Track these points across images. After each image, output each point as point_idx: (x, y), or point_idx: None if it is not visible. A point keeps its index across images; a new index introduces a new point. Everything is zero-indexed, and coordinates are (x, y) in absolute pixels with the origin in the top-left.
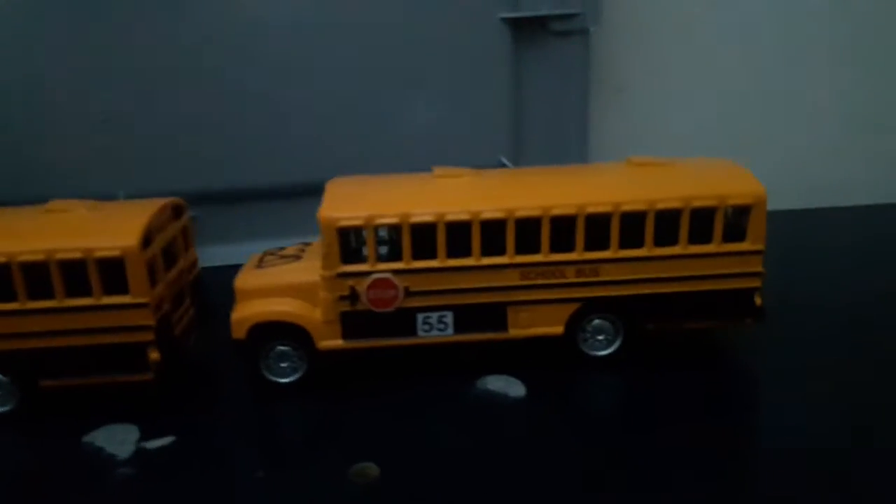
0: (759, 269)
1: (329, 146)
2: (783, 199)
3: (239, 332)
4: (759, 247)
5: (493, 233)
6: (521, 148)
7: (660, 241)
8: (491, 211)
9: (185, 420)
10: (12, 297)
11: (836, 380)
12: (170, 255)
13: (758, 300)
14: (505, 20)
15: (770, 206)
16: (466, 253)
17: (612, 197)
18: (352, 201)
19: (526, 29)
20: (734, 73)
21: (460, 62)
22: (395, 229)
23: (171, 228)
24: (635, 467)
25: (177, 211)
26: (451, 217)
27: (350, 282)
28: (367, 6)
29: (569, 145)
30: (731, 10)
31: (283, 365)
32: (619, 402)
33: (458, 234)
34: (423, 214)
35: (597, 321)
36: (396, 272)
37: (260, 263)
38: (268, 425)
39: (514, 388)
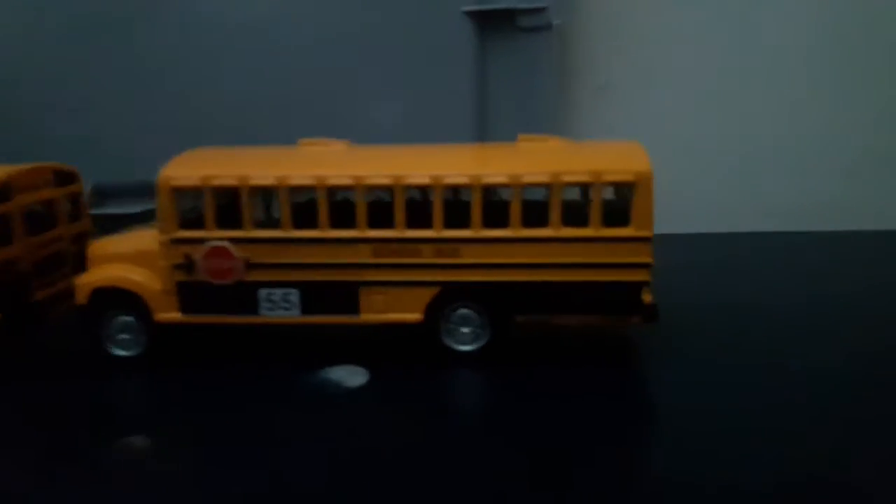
0: (648, 259)
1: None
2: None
3: (81, 298)
4: (646, 233)
5: (346, 204)
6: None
7: (532, 222)
8: (338, 177)
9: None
10: None
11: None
12: (42, 219)
13: (646, 296)
14: (469, 14)
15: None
16: (325, 222)
17: (473, 169)
18: (195, 163)
19: (493, 24)
20: (719, 70)
21: (423, 57)
22: (236, 193)
23: (46, 192)
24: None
25: (63, 178)
26: (293, 181)
27: (186, 249)
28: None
29: None
30: (717, 7)
31: (123, 336)
32: (461, 402)
33: (306, 203)
34: (264, 177)
35: (461, 310)
36: (235, 241)
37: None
38: (83, 401)
39: (353, 378)
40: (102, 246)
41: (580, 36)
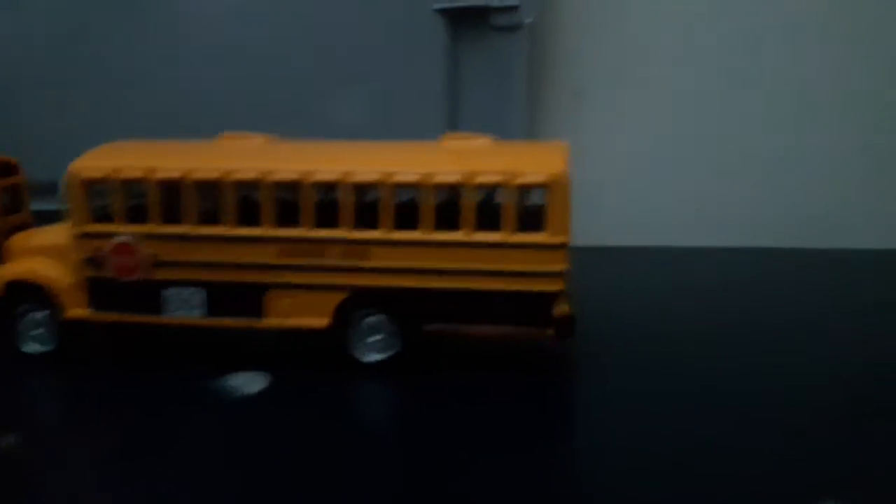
0: (563, 268)
1: None
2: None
3: None
4: (561, 240)
5: (254, 202)
6: None
7: (445, 226)
8: (244, 171)
9: None
10: None
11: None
12: None
13: (561, 308)
14: (441, 12)
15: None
16: (231, 219)
17: (384, 166)
18: (108, 155)
19: (466, 22)
20: (697, 77)
21: (394, 56)
22: (154, 185)
23: None
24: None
25: (1, 170)
26: (198, 175)
27: (96, 243)
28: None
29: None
30: (698, 8)
31: (35, 332)
32: (358, 410)
33: (213, 199)
34: (170, 170)
35: (371, 317)
36: (144, 237)
37: None
38: None
39: (250, 385)
40: (23, 238)
41: (557, 35)
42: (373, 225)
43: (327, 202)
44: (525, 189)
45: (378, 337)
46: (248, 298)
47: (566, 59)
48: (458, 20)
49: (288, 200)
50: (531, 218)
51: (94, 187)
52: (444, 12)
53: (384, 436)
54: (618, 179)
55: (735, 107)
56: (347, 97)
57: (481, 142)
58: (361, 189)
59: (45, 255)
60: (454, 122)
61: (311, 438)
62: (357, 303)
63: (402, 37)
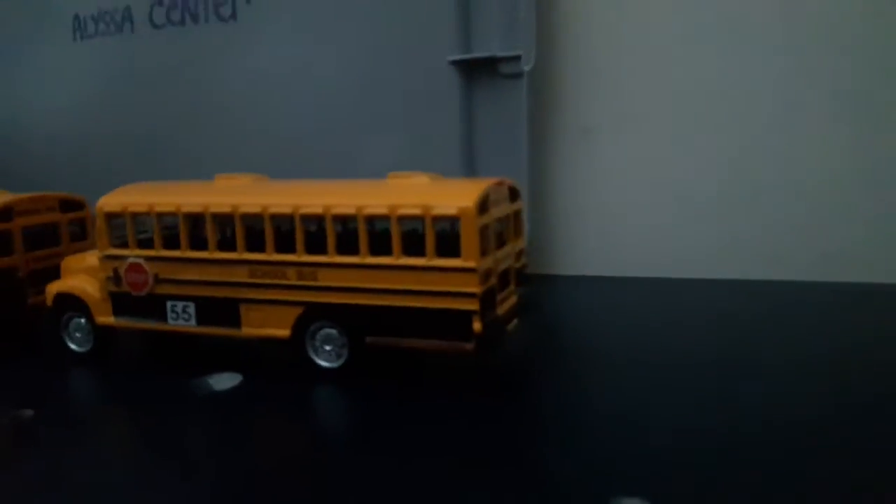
0: (476, 289)
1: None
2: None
3: (49, 301)
4: (472, 264)
5: (230, 228)
6: None
7: (380, 251)
8: (219, 205)
9: None
10: None
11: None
12: (43, 238)
13: (476, 325)
14: (455, 63)
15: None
16: (213, 246)
17: (326, 200)
18: (127, 194)
19: (477, 71)
20: (704, 114)
21: (416, 104)
22: (155, 218)
23: (48, 216)
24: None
25: (69, 205)
26: (186, 209)
27: (115, 264)
28: (327, 56)
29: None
30: (701, 53)
31: (77, 335)
32: (301, 414)
33: (200, 228)
34: (166, 205)
35: (324, 330)
36: (148, 259)
37: None
38: (37, 382)
39: (226, 383)
40: (70, 260)
41: (564, 78)
42: (322, 250)
43: (286, 231)
44: (439, 220)
45: (329, 347)
46: (228, 311)
47: (574, 100)
48: (471, 70)
49: (257, 229)
50: (453, 245)
51: (113, 219)
52: (459, 63)
53: (331, 428)
54: (625, 212)
55: (740, 141)
56: (376, 142)
57: (417, 179)
58: (309, 220)
59: (85, 274)
60: (470, 161)
61: (270, 428)
62: (311, 317)
63: (423, 87)
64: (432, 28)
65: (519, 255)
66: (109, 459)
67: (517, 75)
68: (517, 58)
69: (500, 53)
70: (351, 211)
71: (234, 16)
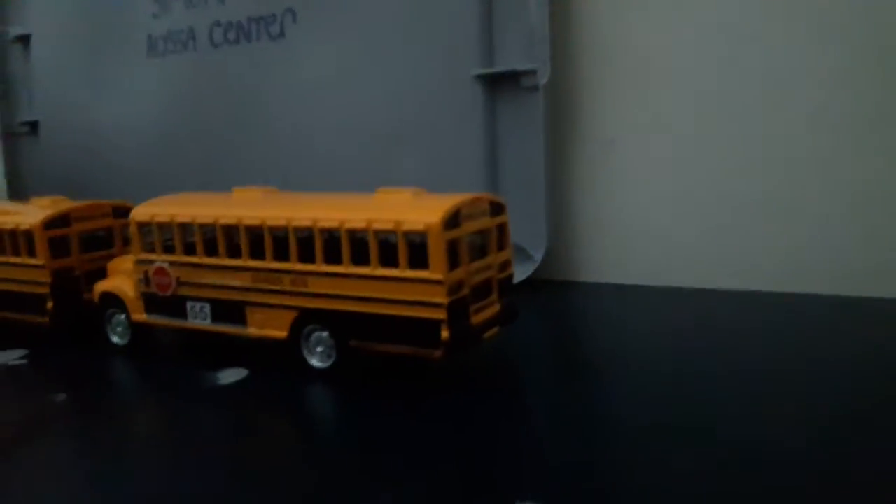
0: (442, 299)
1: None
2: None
3: (95, 298)
4: (438, 276)
5: (236, 238)
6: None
7: (360, 262)
8: (227, 217)
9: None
10: None
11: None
12: (98, 241)
13: (444, 333)
14: (478, 77)
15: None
16: (223, 253)
17: (315, 214)
18: (156, 205)
19: (500, 85)
20: (726, 124)
21: (438, 118)
22: (176, 227)
23: (102, 222)
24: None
25: (122, 212)
26: (200, 220)
27: (145, 267)
28: (359, 71)
29: (536, 191)
30: (722, 61)
31: (118, 329)
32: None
33: (213, 236)
34: (184, 216)
35: (316, 332)
36: (171, 263)
37: None
38: (82, 367)
39: (233, 377)
40: (114, 262)
41: (587, 90)
42: (311, 259)
43: (282, 240)
44: (410, 234)
45: (321, 349)
46: (236, 312)
47: (595, 112)
48: (494, 84)
49: (259, 238)
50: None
51: (143, 227)
52: (482, 77)
53: (319, 420)
54: (645, 222)
55: (764, 150)
56: (403, 153)
57: (400, 195)
58: (301, 232)
59: (125, 275)
60: (493, 172)
61: (264, 418)
62: (304, 320)
63: (448, 100)
64: (457, 44)
65: (504, 265)
66: (118, 442)
67: (534, 88)
68: (533, 72)
69: (520, 67)
70: (335, 224)
71: (282, 34)
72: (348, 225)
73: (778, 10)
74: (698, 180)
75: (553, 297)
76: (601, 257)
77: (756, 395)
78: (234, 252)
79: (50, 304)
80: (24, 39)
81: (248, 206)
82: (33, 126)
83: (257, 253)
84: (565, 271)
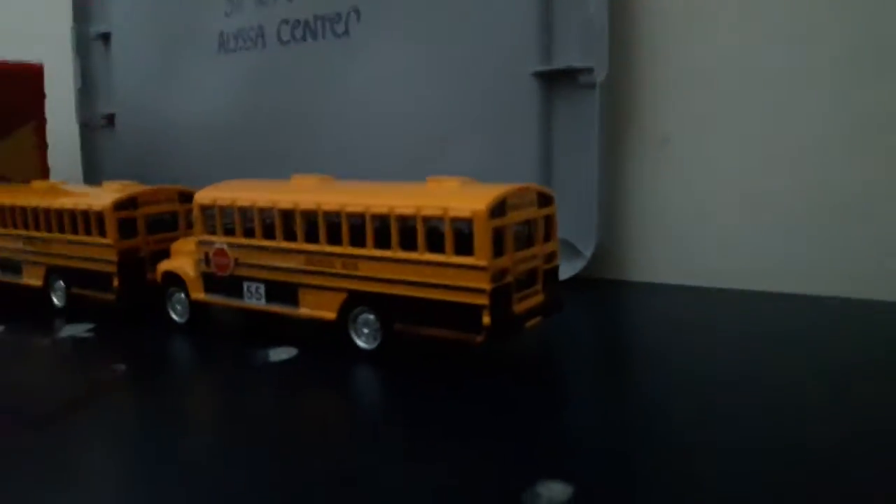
0: (485, 286)
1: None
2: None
3: (158, 277)
4: (483, 263)
5: (292, 222)
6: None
7: (408, 247)
8: (285, 202)
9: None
10: None
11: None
12: (163, 224)
13: (486, 318)
14: (535, 74)
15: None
16: (280, 236)
17: (367, 200)
18: (218, 189)
19: (558, 82)
20: (784, 121)
21: (495, 114)
22: (237, 211)
23: (168, 206)
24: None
25: (186, 197)
26: (261, 204)
27: (206, 248)
28: (419, 68)
29: (589, 188)
30: (779, 59)
31: (178, 307)
32: (330, 388)
33: (271, 220)
34: (244, 200)
35: (363, 315)
36: (231, 245)
37: None
38: (139, 341)
39: (284, 354)
40: (177, 244)
41: (642, 88)
42: (362, 244)
43: (336, 225)
44: (456, 221)
45: (367, 330)
46: (289, 293)
47: (652, 109)
48: (551, 81)
49: (313, 222)
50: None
51: (206, 210)
52: (539, 74)
53: (363, 398)
54: (701, 221)
55: (823, 149)
56: (461, 149)
57: (449, 183)
58: (353, 217)
59: (186, 256)
60: (547, 168)
61: (313, 394)
62: (352, 302)
63: (505, 96)
64: (515, 41)
65: (550, 256)
66: (172, 410)
67: (590, 85)
68: (590, 69)
69: (577, 65)
70: (385, 210)
71: (346, 32)
72: (398, 211)
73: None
74: (754, 181)
75: (601, 294)
76: (652, 256)
77: (814, 398)
78: (289, 236)
79: (116, 282)
80: (105, 37)
81: (305, 192)
82: (110, 118)
83: (311, 237)
84: (615, 270)
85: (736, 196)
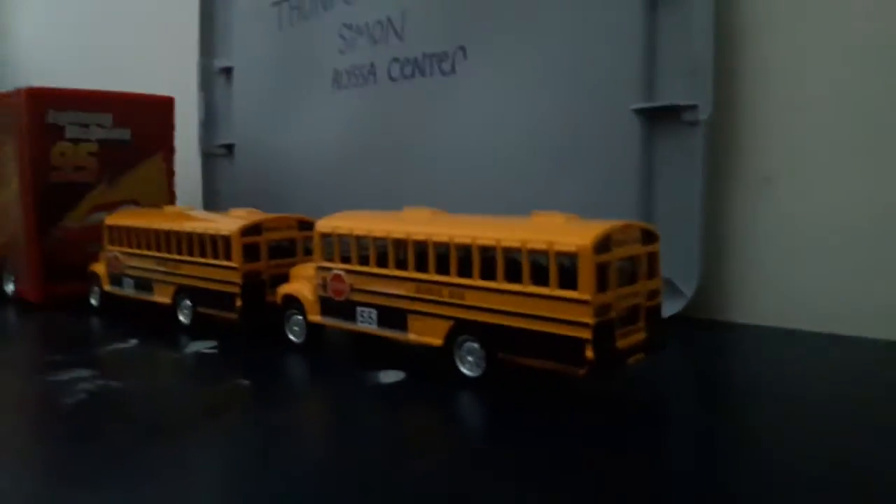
0: (588, 320)
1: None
2: None
3: (278, 300)
4: (586, 297)
5: (404, 251)
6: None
7: (513, 279)
8: (398, 232)
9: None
10: None
11: None
12: (284, 250)
13: (588, 352)
14: (636, 111)
15: None
16: (392, 265)
17: (474, 233)
18: (337, 219)
19: (659, 119)
20: (888, 166)
21: (596, 151)
22: (353, 239)
23: (289, 233)
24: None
25: (308, 226)
26: (376, 233)
27: (324, 274)
28: (521, 105)
29: (691, 227)
30: (886, 98)
31: (296, 328)
32: (435, 419)
33: (384, 249)
34: (361, 230)
35: (468, 343)
36: (347, 272)
37: None
38: (261, 360)
39: (391, 377)
40: (296, 269)
41: (745, 127)
42: (469, 274)
43: (444, 255)
44: (561, 255)
45: (471, 358)
46: (399, 319)
47: (755, 148)
48: (653, 118)
49: (424, 253)
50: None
51: (325, 238)
52: (641, 111)
53: (466, 424)
54: (804, 263)
55: None
56: (561, 185)
57: (554, 218)
58: (460, 248)
59: (305, 280)
60: (648, 205)
61: (418, 416)
62: (458, 330)
63: (606, 132)
64: (618, 77)
65: (653, 294)
66: (288, 423)
67: (693, 123)
68: (694, 106)
69: (681, 102)
70: (491, 242)
71: (453, 70)
72: (504, 244)
73: None
74: (858, 224)
75: (702, 334)
76: (754, 298)
77: None
78: (401, 264)
79: (239, 303)
80: (227, 71)
81: (416, 224)
82: (229, 148)
83: (422, 266)
84: (716, 310)
85: (838, 237)
